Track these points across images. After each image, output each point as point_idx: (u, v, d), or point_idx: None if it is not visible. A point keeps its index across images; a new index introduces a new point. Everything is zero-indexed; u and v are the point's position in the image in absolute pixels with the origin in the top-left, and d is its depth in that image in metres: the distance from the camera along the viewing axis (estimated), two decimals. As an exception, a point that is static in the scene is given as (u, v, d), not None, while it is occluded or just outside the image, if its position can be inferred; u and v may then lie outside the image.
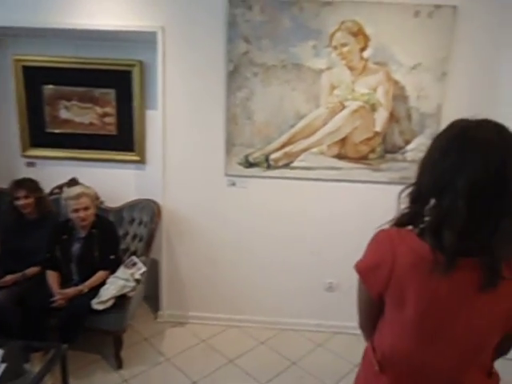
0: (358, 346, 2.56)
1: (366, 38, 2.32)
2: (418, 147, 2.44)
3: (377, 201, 2.52)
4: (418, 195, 0.89)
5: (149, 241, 2.48)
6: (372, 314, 1.00)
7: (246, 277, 2.73)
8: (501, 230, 0.78)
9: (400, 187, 2.86)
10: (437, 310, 0.86)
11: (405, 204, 0.91)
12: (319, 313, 2.75)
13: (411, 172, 2.80)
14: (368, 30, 2.31)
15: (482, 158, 0.79)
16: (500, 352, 0.96)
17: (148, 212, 2.60)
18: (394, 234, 0.91)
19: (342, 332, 2.70)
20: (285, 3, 2.29)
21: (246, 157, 2.51)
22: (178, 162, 2.57)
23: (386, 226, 0.95)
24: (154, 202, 2.63)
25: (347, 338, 2.63)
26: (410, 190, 0.91)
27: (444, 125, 2.73)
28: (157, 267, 2.72)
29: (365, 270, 0.94)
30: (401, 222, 0.92)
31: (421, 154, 2.81)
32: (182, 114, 2.51)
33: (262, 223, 2.64)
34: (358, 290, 1.00)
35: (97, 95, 2.79)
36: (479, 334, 0.88)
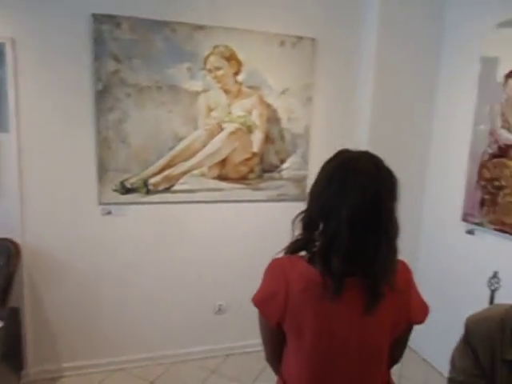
0: (250, 364, 2.55)
1: (239, 63, 2.41)
2: (291, 165, 2.61)
3: (258, 219, 2.61)
4: (309, 221, 0.93)
5: (5, 288, 2.07)
6: (276, 346, 1.00)
7: (129, 313, 2.49)
8: (380, 255, 0.86)
9: (279, 204, 3.00)
10: (331, 332, 0.89)
11: (298, 230, 0.94)
12: (210, 337, 2.67)
13: (288, 189, 3.01)
14: (240, 56, 2.40)
15: (361, 188, 0.85)
16: (394, 361, 1.04)
17: (3, 254, 2.19)
18: (286, 261, 0.93)
19: (234, 353, 2.66)
20: (156, 23, 2.23)
21: (122, 182, 2.32)
22: (40, 193, 2.24)
23: (281, 254, 0.96)
24: (11, 241, 2.22)
25: (240, 359, 2.60)
26: (302, 216, 0.94)
27: (312, 144, 3.00)
28: (18, 317, 2.29)
29: (260, 301, 0.94)
30: (294, 248, 0.95)
31: (294, 172, 3.03)
32: (42, 136, 2.20)
33: (145, 252, 2.46)
34: (259, 323, 0.99)
35: None
36: (373, 349, 0.93)
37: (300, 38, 2.49)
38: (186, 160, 2.41)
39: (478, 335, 1.39)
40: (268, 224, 2.59)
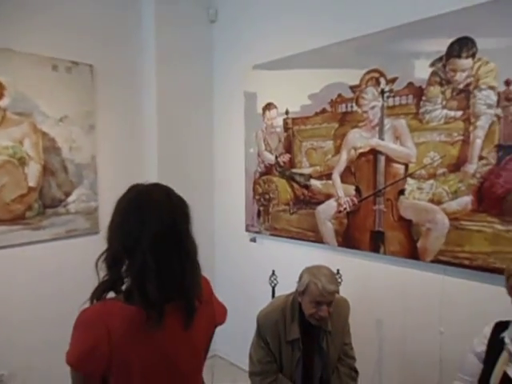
0: None
1: (1, 87, 2.08)
2: (79, 198, 2.42)
3: (46, 261, 2.28)
4: (113, 259, 0.91)
5: None
6: None
7: None
8: (187, 274, 0.92)
9: (69, 241, 2.73)
10: (160, 361, 0.91)
11: (103, 271, 0.91)
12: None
13: (78, 224, 2.77)
14: (2, 78, 2.08)
15: (157, 217, 0.90)
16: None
17: None
18: (101, 309, 0.88)
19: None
20: None
21: None
22: None
23: (87, 303, 0.90)
24: None
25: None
26: (104, 256, 0.91)
27: (100, 174, 2.87)
28: None
29: (78, 359, 0.84)
30: (102, 290, 0.91)
31: (83, 204, 2.82)
32: None
33: None
34: (74, 382, 0.87)
35: None
36: (198, 361, 1.01)
37: (76, 64, 2.36)
38: None
39: (267, 326, 1.63)
40: (59, 266, 2.30)
